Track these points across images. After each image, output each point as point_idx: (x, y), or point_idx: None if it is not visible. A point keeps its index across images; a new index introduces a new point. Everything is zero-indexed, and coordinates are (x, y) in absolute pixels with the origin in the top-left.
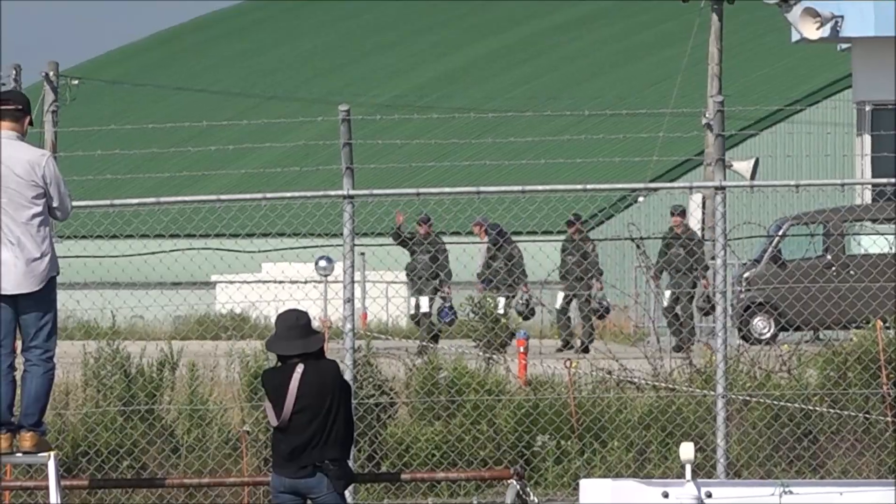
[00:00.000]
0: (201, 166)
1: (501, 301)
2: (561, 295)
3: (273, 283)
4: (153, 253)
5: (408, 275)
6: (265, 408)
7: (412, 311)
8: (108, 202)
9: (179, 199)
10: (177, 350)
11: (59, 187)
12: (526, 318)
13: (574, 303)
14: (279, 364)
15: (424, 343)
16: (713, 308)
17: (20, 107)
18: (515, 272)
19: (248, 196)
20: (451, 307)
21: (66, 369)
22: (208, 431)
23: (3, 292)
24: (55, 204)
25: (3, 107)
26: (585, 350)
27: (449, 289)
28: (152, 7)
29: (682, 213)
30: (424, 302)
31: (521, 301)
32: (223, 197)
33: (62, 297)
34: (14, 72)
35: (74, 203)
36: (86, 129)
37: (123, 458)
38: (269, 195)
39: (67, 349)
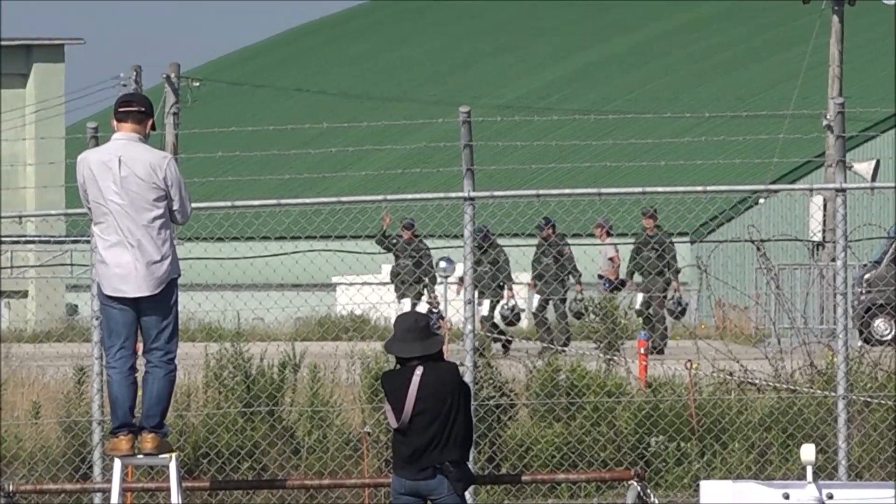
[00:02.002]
0: (322, 168)
1: (486, 303)
2: (537, 298)
3: (393, 284)
4: (274, 255)
5: (392, 279)
6: (385, 410)
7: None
8: (229, 204)
9: (300, 200)
10: (298, 352)
11: (180, 190)
12: (511, 324)
13: (549, 305)
14: (398, 366)
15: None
16: (683, 311)
17: (143, 109)
18: (500, 276)
19: (368, 198)
20: (437, 312)
21: (187, 371)
22: (329, 433)
23: (123, 295)
24: (176, 206)
25: (125, 109)
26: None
27: (435, 294)
28: (273, 8)
29: (653, 215)
30: (406, 304)
31: (506, 305)
32: (344, 199)
33: (183, 298)
34: (135, 73)
35: (195, 205)
36: (207, 131)
37: (244, 460)
38: (389, 197)
39: (189, 351)
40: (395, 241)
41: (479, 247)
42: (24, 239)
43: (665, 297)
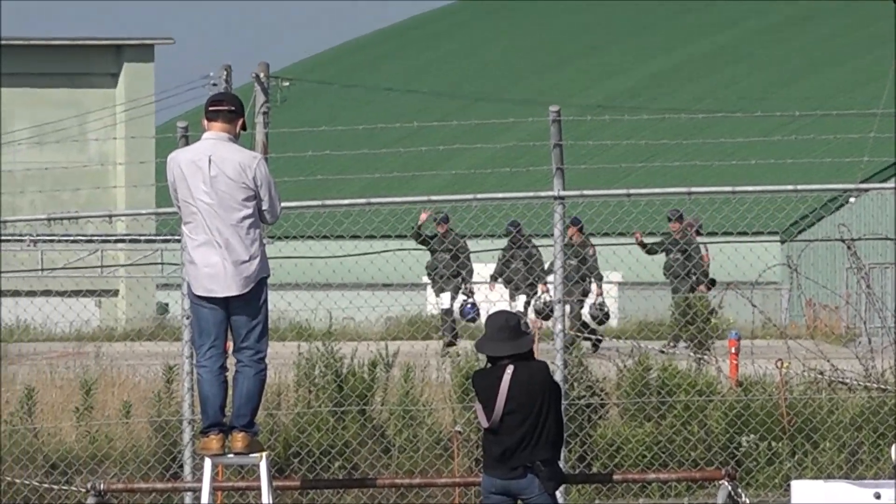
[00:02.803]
0: (412, 167)
1: (521, 300)
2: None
3: (482, 283)
4: (364, 254)
5: (428, 274)
6: (476, 409)
7: (434, 310)
8: (319, 203)
9: (390, 199)
10: (390, 351)
11: (269, 190)
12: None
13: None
14: (489, 365)
15: (450, 340)
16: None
17: (233, 108)
18: (536, 271)
19: (458, 197)
20: (473, 304)
21: (277, 370)
22: (419, 432)
23: (212, 294)
24: (265, 206)
25: (215, 108)
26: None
27: (469, 286)
28: (363, 8)
29: (679, 218)
30: (446, 299)
31: (539, 300)
32: (434, 198)
33: (274, 298)
34: (225, 73)
35: (285, 204)
36: (297, 131)
37: (335, 459)
38: (479, 196)
39: (279, 350)
40: (431, 236)
41: (513, 241)
42: (114, 238)
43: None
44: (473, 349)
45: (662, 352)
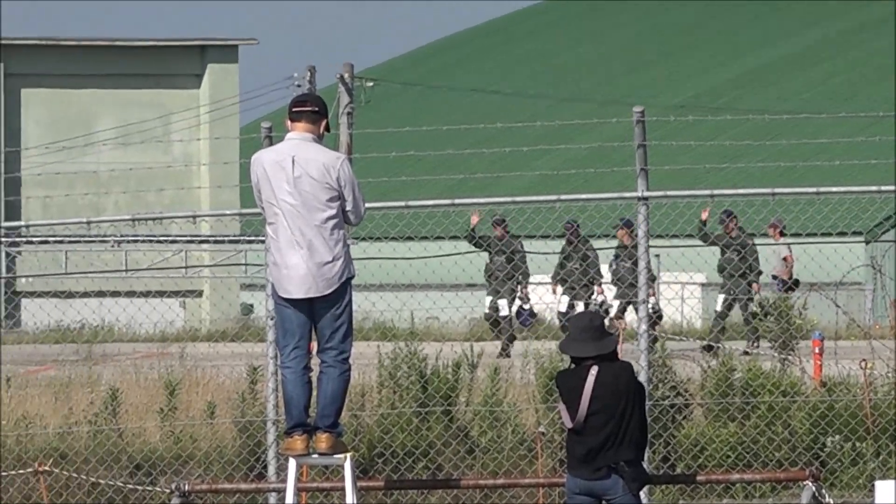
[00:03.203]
0: (496, 168)
1: (578, 303)
2: (721, 297)
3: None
4: (448, 255)
5: (486, 277)
6: (560, 409)
7: (488, 313)
8: (402, 204)
9: (474, 200)
10: (474, 351)
11: (353, 190)
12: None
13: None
14: (573, 366)
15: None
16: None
17: (316, 109)
18: (590, 272)
19: (542, 198)
20: (529, 309)
21: (361, 371)
22: (503, 432)
23: (295, 296)
24: (349, 207)
25: (299, 108)
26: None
27: (526, 290)
28: (448, 8)
29: (733, 218)
30: (503, 305)
31: (595, 302)
32: (518, 199)
33: (358, 298)
34: (309, 74)
35: (369, 204)
36: (381, 131)
37: (419, 459)
38: (563, 197)
39: (363, 350)
40: (485, 238)
41: (569, 242)
42: (198, 239)
43: (750, 299)
44: (557, 350)
45: (746, 353)
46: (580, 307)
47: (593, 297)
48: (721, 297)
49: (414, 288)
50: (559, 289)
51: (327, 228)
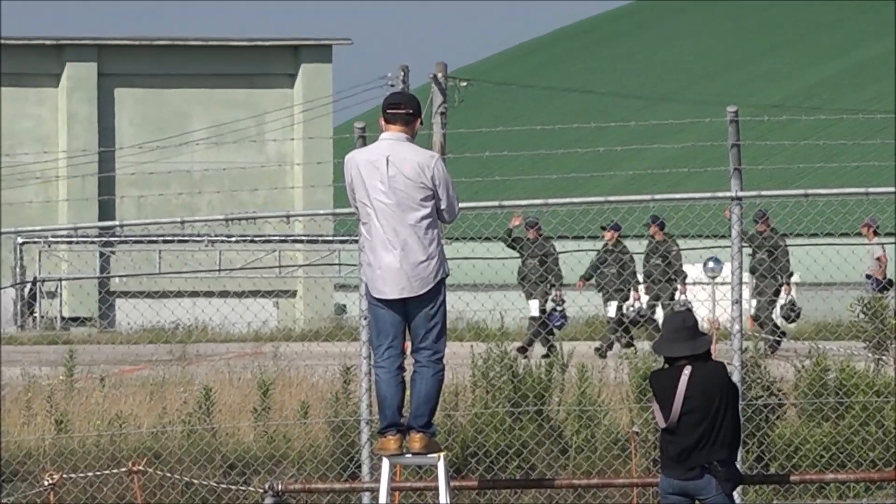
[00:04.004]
0: (590, 167)
1: (614, 305)
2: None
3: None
4: (541, 254)
5: (518, 280)
6: (653, 409)
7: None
8: (496, 203)
9: (568, 200)
10: (567, 351)
11: (447, 189)
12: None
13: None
14: (667, 366)
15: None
16: (798, 315)
17: (411, 111)
18: (623, 274)
19: (636, 197)
20: (562, 311)
21: (455, 370)
22: (597, 432)
23: (389, 296)
24: (443, 206)
25: (394, 111)
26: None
27: (559, 292)
28: (541, 8)
29: (766, 219)
30: (534, 306)
31: (632, 308)
32: (611, 198)
33: (451, 298)
34: (402, 73)
35: (463, 204)
36: (474, 131)
37: (512, 459)
38: (657, 196)
39: (457, 350)
40: (518, 241)
41: (610, 245)
42: (292, 238)
43: (774, 300)
44: (651, 350)
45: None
46: (612, 308)
47: (628, 302)
48: (753, 300)
49: (507, 287)
50: (641, 288)
51: (422, 228)
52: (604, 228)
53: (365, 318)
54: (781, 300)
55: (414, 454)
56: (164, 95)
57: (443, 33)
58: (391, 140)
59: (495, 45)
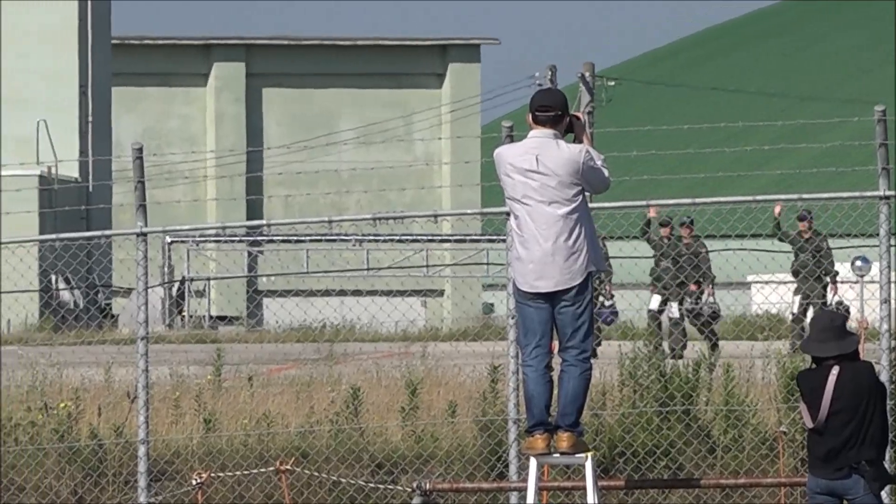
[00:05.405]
0: (737, 167)
1: (656, 299)
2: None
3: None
4: (695, 253)
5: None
6: (801, 409)
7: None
8: (644, 203)
9: (715, 199)
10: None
11: (599, 171)
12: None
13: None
14: (814, 365)
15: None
16: (848, 312)
17: (559, 112)
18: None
19: (783, 196)
20: (611, 307)
21: (602, 369)
22: (744, 432)
23: (538, 290)
24: (598, 188)
25: (543, 113)
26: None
27: (610, 287)
28: (688, 8)
29: (808, 219)
30: (673, 307)
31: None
32: (759, 197)
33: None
34: (550, 73)
35: (609, 204)
36: (622, 130)
37: (660, 459)
38: (804, 196)
39: (604, 349)
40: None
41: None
42: (439, 238)
43: (825, 301)
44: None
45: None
46: (674, 308)
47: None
48: (797, 300)
49: (656, 287)
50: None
51: (571, 221)
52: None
53: (513, 318)
54: (828, 299)
55: (561, 454)
56: (311, 95)
57: (591, 32)
58: (540, 137)
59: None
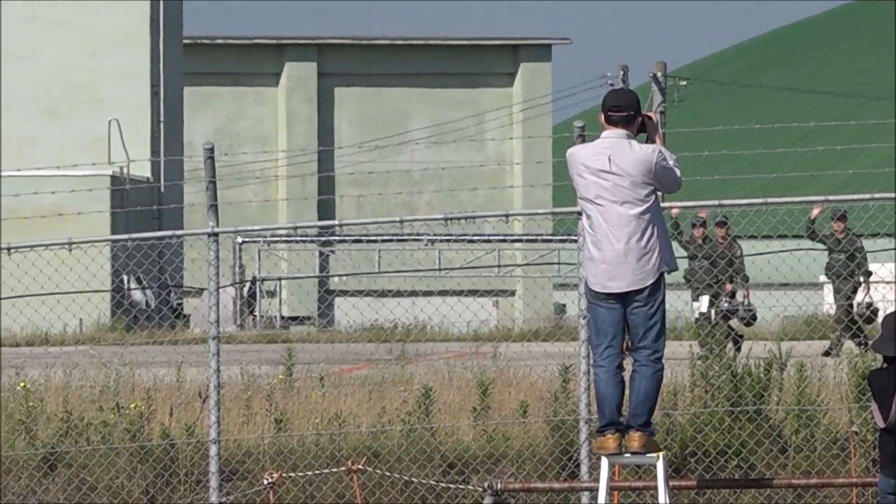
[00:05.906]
0: (809, 166)
1: (705, 300)
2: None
3: (882, 283)
4: (760, 253)
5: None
6: (872, 409)
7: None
8: (716, 203)
9: (787, 199)
10: (785, 350)
11: (671, 171)
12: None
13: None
14: (885, 365)
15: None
16: (875, 313)
17: (631, 113)
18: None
19: (856, 196)
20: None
21: (673, 370)
22: (816, 432)
23: (611, 290)
24: (670, 189)
25: (616, 113)
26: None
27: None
28: (761, 8)
29: (843, 218)
30: (704, 302)
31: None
32: (831, 197)
33: (670, 297)
34: (622, 73)
35: (682, 203)
36: (693, 130)
37: (731, 459)
38: (876, 195)
39: (675, 349)
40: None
41: (705, 240)
42: (511, 238)
43: (851, 300)
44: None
45: (828, 353)
46: (704, 302)
47: (721, 297)
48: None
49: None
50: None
51: (644, 221)
52: (693, 226)
53: (584, 318)
54: (859, 298)
55: (633, 453)
56: (383, 95)
57: (662, 32)
58: (613, 138)
59: (714, 44)
